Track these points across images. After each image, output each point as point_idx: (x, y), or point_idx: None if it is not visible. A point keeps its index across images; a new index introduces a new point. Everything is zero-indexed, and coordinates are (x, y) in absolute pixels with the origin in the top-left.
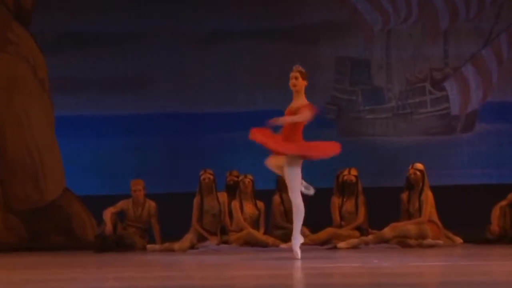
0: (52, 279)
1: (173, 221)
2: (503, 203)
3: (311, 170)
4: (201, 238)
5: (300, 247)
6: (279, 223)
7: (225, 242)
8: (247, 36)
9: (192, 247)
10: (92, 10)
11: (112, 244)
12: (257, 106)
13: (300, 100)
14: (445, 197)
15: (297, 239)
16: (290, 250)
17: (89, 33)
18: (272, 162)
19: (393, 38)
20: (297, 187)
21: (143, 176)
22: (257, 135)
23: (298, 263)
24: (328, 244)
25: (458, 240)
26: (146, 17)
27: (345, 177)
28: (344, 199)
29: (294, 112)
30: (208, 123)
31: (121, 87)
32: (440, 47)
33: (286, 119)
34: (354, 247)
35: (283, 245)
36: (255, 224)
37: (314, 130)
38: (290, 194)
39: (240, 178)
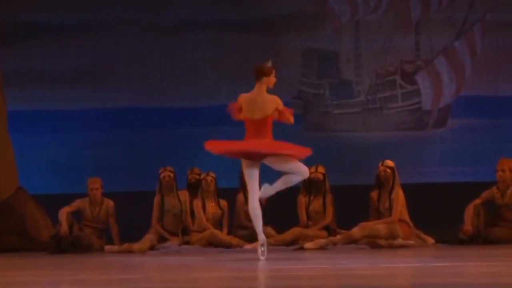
0: (4, 282)
1: (132, 221)
2: (477, 202)
3: None
4: (162, 239)
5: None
6: (243, 223)
7: (187, 243)
8: (210, 27)
9: (152, 248)
10: None
11: (68, 245)
12: (220, 100)
13: (270, 96)
14: (417, 195)
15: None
16: (255, 251)
17: (44, 23)
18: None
19: (362, 29)
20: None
21: (101, 174)
22: (216, 146)
23: (263, 265)
24: (295, 244)
25: (430, 240)
26: (104, 6)
27: (312, 175)
28: (311, 198)
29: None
30: (169, 118)
31: (77, 81)
32: (412, 38)
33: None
34: (322, 248)
35: (247, 246)
36: (218, 224)
37: (280, 126)
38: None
39: (202, 176)
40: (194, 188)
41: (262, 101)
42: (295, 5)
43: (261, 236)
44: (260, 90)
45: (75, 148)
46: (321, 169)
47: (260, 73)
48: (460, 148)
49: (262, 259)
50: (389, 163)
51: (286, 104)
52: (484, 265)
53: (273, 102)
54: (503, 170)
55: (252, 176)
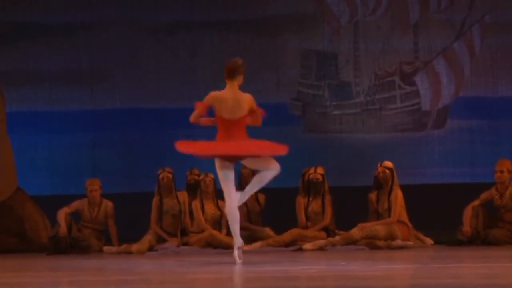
0: (2, 283)
1: (131, 222)
2: (476, 203)
3: None
4: (160, 240)
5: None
6: (242, 223)
7: (186, 244)
8: (208, 28)
9: (151, 249)
10: None
11: (67, 246)
12: None
13: (246, 94)
14: (416, 196)
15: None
16: (254, 252)
17: (41, 24)
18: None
19: (361, 30)
20: None
21: (99, 175)
22: (190, 147)
23: (262, 266)
24: (294, 245)
25: (429, 241)
26: (101, 6)
27: (311, 176)
28: (310, 199)
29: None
30: (167, 119)
31: (75, 81)
32: (410, 39)
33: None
34: (321, 249)
35: (246, 247)
36: (217, 225)
37: (278, 127)
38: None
39: (201, 177)
40: (193, 189)
41: (240, 100)
42: (293, 6)
43: (238, 240)
44: (234, 88)
45: (73, 149)
46: (320, 170)
47: (235, 71)
48: (459, 149)
49: (239, 262)
50: (388, 164)
51: (284, 104)
52: (483, 267)
53: (250, 101)
54: (501, 171)
55: (228, 177)
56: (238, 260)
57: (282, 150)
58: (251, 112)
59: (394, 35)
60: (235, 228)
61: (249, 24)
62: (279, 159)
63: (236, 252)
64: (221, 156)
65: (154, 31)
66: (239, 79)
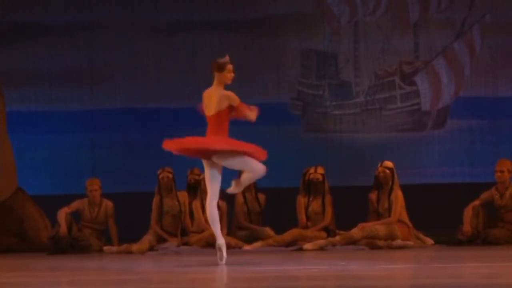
0: (2, 283)
1: (131, 222)
2: (476, 203)
3: (276, 167)
4: (161, 240)
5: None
6: (242, 223)
7: (186, 244)
8: (208, 28)
9: (151, 249)
10: None
11: (67, 246)
12: None
13: (223, 91)
14: (416, 196)
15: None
16: (254, 252)
17: (41, 24)
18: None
19: (361, 30)
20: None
21: (99, 175)
22: (172, 145)
23: (262, 266)
24: (294, 245)
25: (429, 241)
26: (101, 6)
27: (311, 176)
28: (311, 199)
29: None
30: (167, 118)
31: (75, 81)
32: (410, 39)
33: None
34: (321, 249)
35: (246, 247)
36: None
37: (278, 126)
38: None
39: (202, 176)
40: (194, 189)
41: (215, 96)
42: (293, 6)
43: (220, 241)
44: (215, 85)
45: (73, 149)
46: (320, 170)
47: (212, 69)
48: (459, 149)
49: (221, 263)
50: (388, 164)
51: (285, 104)
52: (483, 266)
53: (227, 98)
54: (502, 171)
55: (213, 177)
56: (219, 261)
57: (257, 152)
58: (235, 109)
59: (394, 35)
60: (215, 228)
61: (249, 24)
62: (278, 158)
63: (218, 253)
64: (190, 152)
65: (154, 31)
66: (218, 77)
